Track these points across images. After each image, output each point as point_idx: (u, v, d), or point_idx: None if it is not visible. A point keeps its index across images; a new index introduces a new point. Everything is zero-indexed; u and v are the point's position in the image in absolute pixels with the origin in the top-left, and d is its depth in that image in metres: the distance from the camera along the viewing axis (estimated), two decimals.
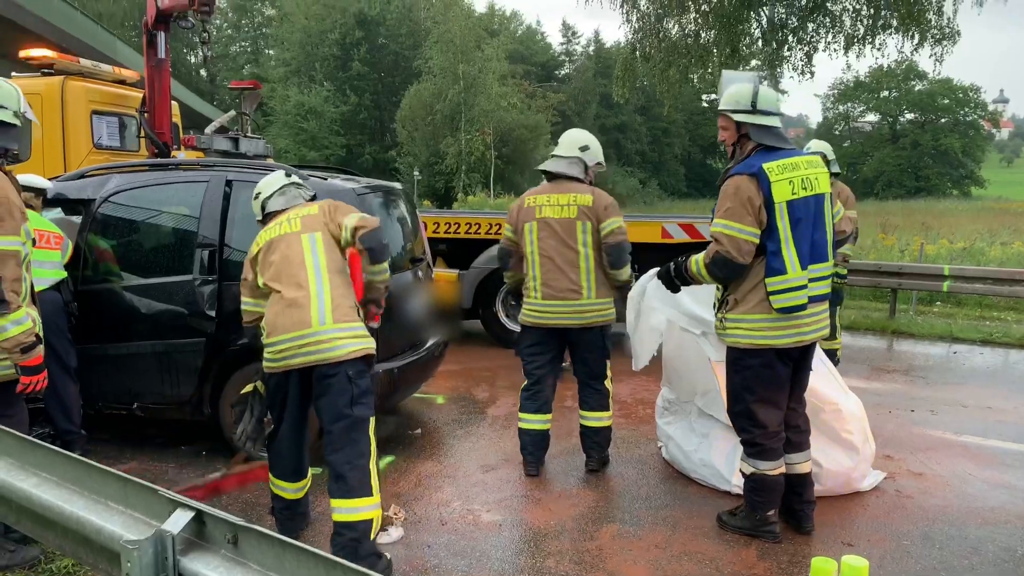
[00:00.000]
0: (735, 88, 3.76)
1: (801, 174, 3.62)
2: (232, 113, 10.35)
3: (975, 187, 57.03)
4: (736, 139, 3.76)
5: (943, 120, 57.29)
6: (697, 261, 3.82)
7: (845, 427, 4.41)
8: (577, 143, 4.72)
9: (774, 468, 3.79)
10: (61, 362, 4.68)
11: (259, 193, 3.82)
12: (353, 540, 3.32)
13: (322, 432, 3.49)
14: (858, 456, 4.44)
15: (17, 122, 3.36)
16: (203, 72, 55.64)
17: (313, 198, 3.86)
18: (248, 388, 3.84)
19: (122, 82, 9.68)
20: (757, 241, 3.59)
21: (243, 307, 3.66)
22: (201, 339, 4.76)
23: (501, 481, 4.66)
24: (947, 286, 10.46)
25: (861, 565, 2.13)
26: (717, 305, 3.87)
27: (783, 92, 19.01)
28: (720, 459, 4.53)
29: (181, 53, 49.19)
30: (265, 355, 3.49)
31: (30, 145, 8.73)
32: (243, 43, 62.04)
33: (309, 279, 3.41)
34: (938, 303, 12.14)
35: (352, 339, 3.39)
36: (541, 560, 3.66)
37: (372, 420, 3.48)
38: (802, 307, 3.59)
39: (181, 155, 8.39)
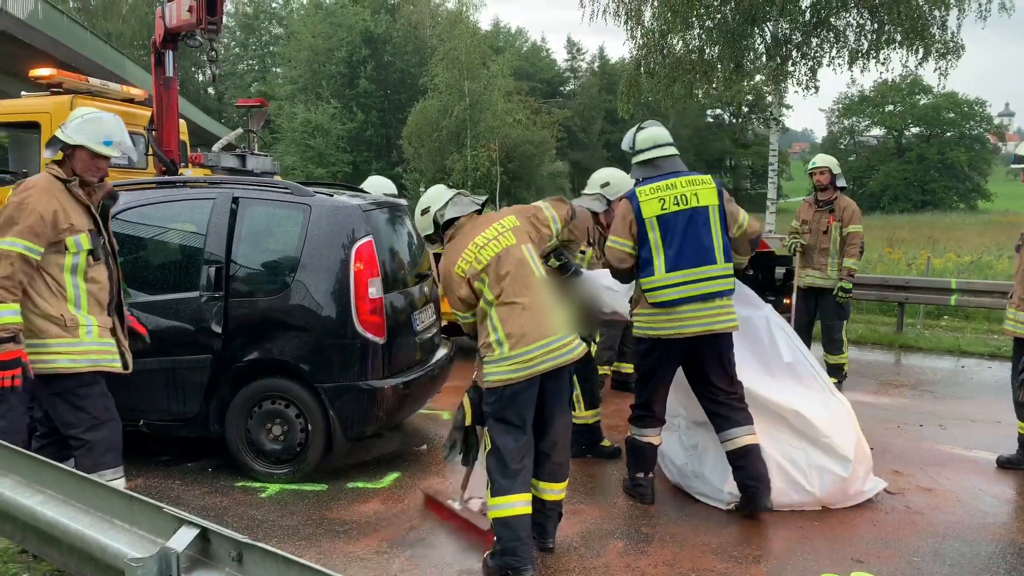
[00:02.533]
0: (624, 139, 4.58)
1: (676, 192, 4.26)
2: (239, 131, 10.42)
3: (982, 200, 56.81)
4: None
5: (949, 134, 57.17)
6: None
7: (820, 435, 4.42)
8: (598, 180, 5.47)
9: (643, 436, 4.47)
10: None
11: (427, 208, 3.93)
12: (560, 513, 3.92)
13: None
14: (851, 464, 4.41)
15: (62, 138, 3.52)
16: (211, 90, 56.07)
17: (482, 208, 3.97)
18: (467, 418, 3.94)
19: (130, 100, 9.76)
20: (630, 251, 4.31)
21: (463, 321, 3.86)
22: (207, 356, 4.77)
23: None
24: (954, 300, 10.40)
25: None
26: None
27: (788, 107, 18.98)
28: (710, 469, 4.54)
29: (189, 72, 49.67)
30: (505, 367, 3.58)
31: (40, 162, 8.81)
32: (250, 61, 62.51)
33: (541, 290, 3.71)
34: (945, 317, 12.08)
35: (576, 341, 3.75)
36: None
37: None
38: (670, 303, 4.20)
39: (188, 173, 8.44)
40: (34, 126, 8.88)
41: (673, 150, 4.45)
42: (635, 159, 4.48)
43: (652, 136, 4.44)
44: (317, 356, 4.70)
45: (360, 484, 4.84)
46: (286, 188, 5.12)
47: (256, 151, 8.86)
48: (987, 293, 10.39)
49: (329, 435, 4.74)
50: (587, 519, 4.32)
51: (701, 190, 4.27)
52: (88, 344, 3.54)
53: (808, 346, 5.33)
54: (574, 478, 4.93)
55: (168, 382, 4.87)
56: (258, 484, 4.78)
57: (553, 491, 3.83)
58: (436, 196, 3.96)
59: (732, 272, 4.34)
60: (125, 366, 3.73)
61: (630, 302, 4.53)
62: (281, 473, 4.81)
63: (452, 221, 3.86)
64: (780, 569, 3.73)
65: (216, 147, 9.36)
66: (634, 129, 4.54)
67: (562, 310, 3.78)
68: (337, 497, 4.62)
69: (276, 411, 4.80)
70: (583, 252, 5.17)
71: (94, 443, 3.53)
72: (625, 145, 4.57)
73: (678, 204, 4.23)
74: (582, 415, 5.24)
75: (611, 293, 4.87)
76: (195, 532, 1.99)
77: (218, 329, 4.74)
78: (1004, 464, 5.22)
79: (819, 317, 7.27)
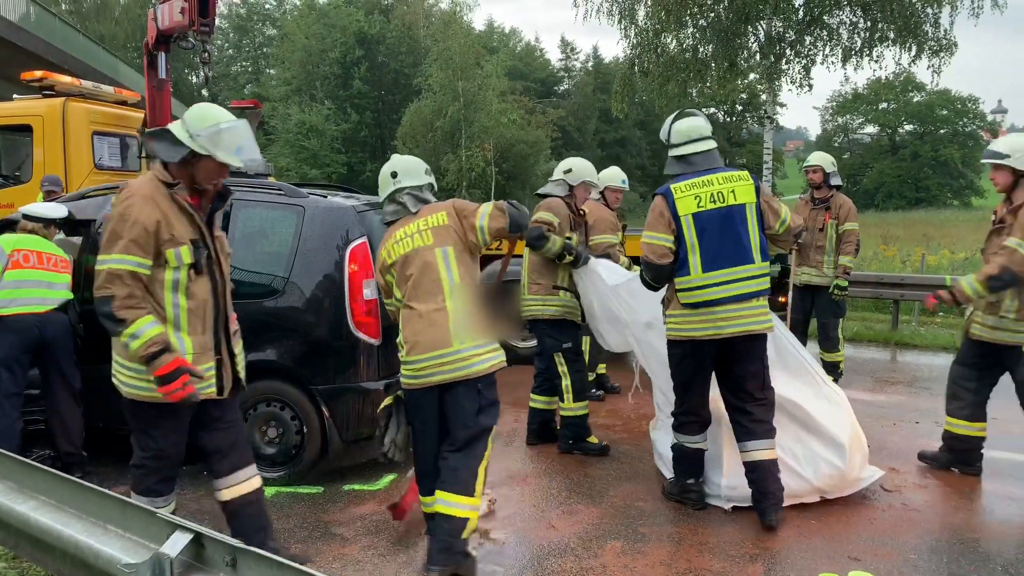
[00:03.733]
0: (663, 128, 4.43)
1: (713, 189, 4.12)
2: None
3: (975, 197, 56.99)
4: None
5: (942, 131, 57.33)
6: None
7: (816, 423, 4.48)
8: (562, 167, 5.48)
9: (691, 442, 4.38)
10: (67, 384, 4.69)
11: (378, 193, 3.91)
12: (448, 533, 3.46)
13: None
14: (846, 452, 4.43)
15: (192, 146, 3.16)
16: (204, 92, 55.88)
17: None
18: (389, 400, 3.90)
19: (123, 103, 9.75)
20: (670, 245, 4.16)
21: (388, 308, 3.86)
22: None
23: (504, 499, 4.62)
24: None
25: None
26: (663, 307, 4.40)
27: (782, 105, 19.07)
28: (707, 465, 4.53)
29: (183, 73, 49.47)
30: (404, 371, 3.62)
31: (31, 166, 8.79)
32: (244, 63, 62.33)
33: (446, 296, 3.54)
34: (941, 314, 12.11)
35: (487, 354, 3.55)
36: None
37: (494, 429, 3.63)
38: (707, 303, 4.08)
39: None
40: (26, 129, 8.86)
41: (710, 144, 4.27)
42: (670, 153, 4.32)
43: (687, 130, 4.27)
44: (312, 358, 4.68)
45: (356, 486, 4.83)
46: (279, 189, 5.10)
47: None
48: None
49: (325, 437, 4.73)
50: (584, 519, 4.32)
51: (739, 187, 4.13)
52: None
53: (804, 344, 5.33)
54: (570, 478, 4.93)
55: None
56: None
57: (449, 503, 3.46)
58: (381, 183, 3.82)
59: (768, 272, 4.22)
60: (220, 390, 3.34)
61: (662, 303, 4.42)
62: (277, 476, 4.80)
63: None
64: (777, 568, 3.72)
65: None
66: (670, 119, 4.36)
67: (474, 322, 3.54)
68: (333, 500, 4.60)
69: (271, 414, 4.78)
70: (569, 238, 5.26)
71: (153, 470, 3.33)
72: (663, 136, 4.42)
73: (714, 202, 4.10)
74: (570, 407, 5.31)
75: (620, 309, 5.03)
76: (189, 537, 1.98)
77: None
78: (927, 460, 5.18)
79: (815, 315, 7.28)
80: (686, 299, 4.14)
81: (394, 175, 3.76)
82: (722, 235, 4.10)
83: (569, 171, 5.40)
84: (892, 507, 4.48)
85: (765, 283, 4.19)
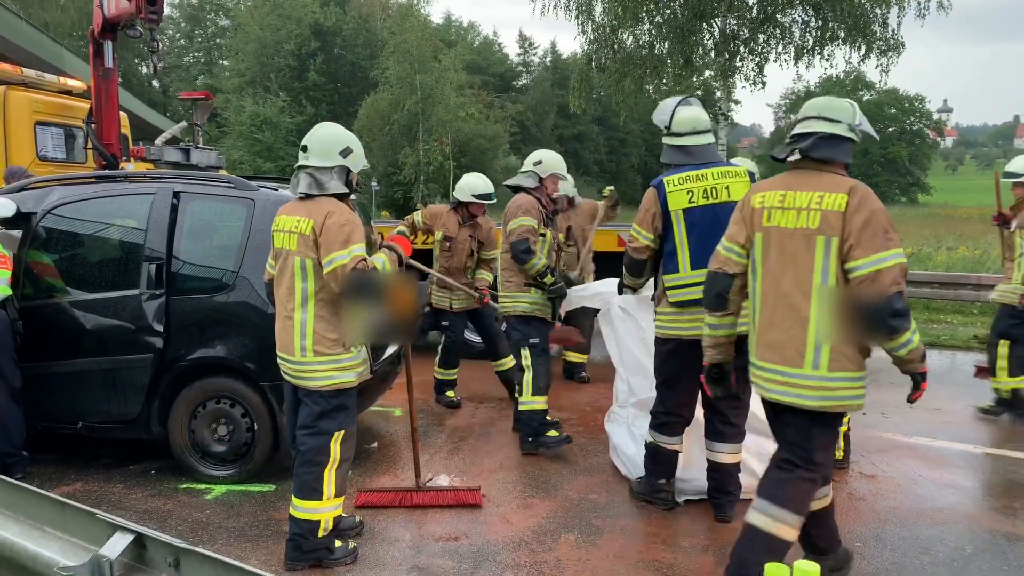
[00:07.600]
0: (659, 110, 4.33)
1: (706, 184, 4.03)
2: (183, 124, 10.18)
3: (922, 194, 58.67)
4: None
5: (890, 129, 58.79)
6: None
7: (765, 424, 4.49)
8: (532, 159, 5.43)
9: (668, 443, 4.28)
10: (6, 383, 4.54)
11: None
12: (296, 535, 3.60)
13: None
14: None
15: (853, 136, 3.23)
16: (155, 83, 54.65)
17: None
18: None
19: (68, 92, 9.46)
20: (650, 243, 4.14)
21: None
22: (149, 355, 4.64)
23: None
24: None
25: (813, 570, 2.14)
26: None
27: (736, 102, 19.32)
28: None
29: (132, 64, 48.31)
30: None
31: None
32: (196, 53, 61.05)
33: (296, 307, 3.55)
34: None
35: (329, 372, 3.55)
36: (499, 572, 3.63)
37: (339, 433, 3.62)
38: (695, 303, 3.88)
39: (130, 167, 8.21)
40: None
41: (710, 137, 4.19)
42: (668, 140, 4.20)
43: (692, 119, 4.17)
44: (262, 354, 4.59)
45: None
46: (229, 182, 5.00)
47: (201, 145, 8.66)
48: (927, 284, 10.74)
49: (276, 435, 4.66)
50: (538, 513, 4.33)
51: (733, 183, 4.02)
52: None
53: None
54: (525, 472, 4.94)
55: (108, 383, 4.73)
56: (203, 486, 4.68)
57: (292, 504, 3.62)
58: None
59: None
60: None
61: (653, 299, 4.31)
62: (227, 474, 4.72)
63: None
64: (727, 559, 3.77)
65: (159, 140, 9.13)
66: (673, 103, 4.24)
67: (321, 338, 3.50)
68: (285, 497, 4.53)
69: (221, 411, 4.69)
70: (543, 235, 5.24)
71: None
72: (659, 121, 4.27)
73: (707, 197, 4.00)
74: (528, 399, 5.31)
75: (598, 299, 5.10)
76: (130, 538, 1.92)
77: (160, 327, 4.62)
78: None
79: None
80: (674, 297, 4.06)
81: (304, 149, 3.56)
82: (712, 233, 3.86)
83: (539, 163, 5.34)
84: (838, 496, 4.55)
85: None
